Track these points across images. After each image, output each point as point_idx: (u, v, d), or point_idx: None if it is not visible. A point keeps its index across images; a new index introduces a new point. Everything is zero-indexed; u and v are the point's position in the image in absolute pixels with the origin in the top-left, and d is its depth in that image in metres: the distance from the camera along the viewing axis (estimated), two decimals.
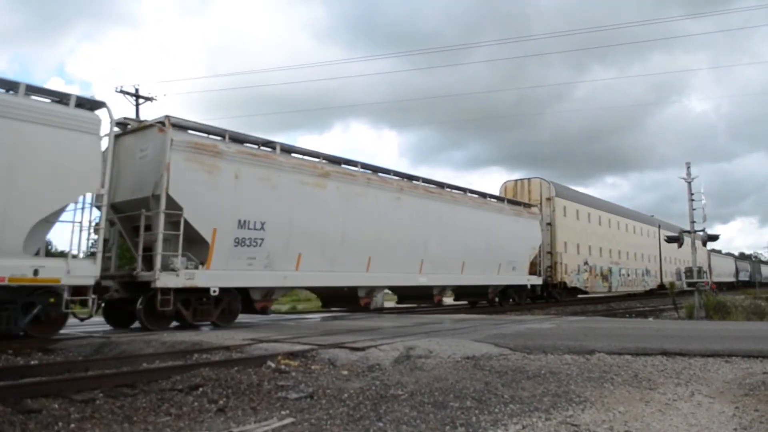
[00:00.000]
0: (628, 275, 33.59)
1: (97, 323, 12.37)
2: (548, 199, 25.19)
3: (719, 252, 70.50)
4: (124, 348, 8.20)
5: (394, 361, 6.94)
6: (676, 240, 22.73)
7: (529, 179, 26.15)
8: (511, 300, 22.19)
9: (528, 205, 23.23)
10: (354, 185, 14.41)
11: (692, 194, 21.77)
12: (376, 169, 15.68)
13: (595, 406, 4.75)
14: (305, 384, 5.59)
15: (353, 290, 14.69)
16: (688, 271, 21.29)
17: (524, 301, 22.65)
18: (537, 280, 22.81)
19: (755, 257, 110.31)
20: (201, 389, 5.28)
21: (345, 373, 6.30)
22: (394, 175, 16.14)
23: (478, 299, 21.28)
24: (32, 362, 7.24)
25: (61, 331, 9.59)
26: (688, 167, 22.21)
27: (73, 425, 4.13)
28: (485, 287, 20.39)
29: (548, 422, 4.25)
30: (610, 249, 31.51)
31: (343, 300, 15.60)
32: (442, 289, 18.32)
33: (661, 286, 38.92)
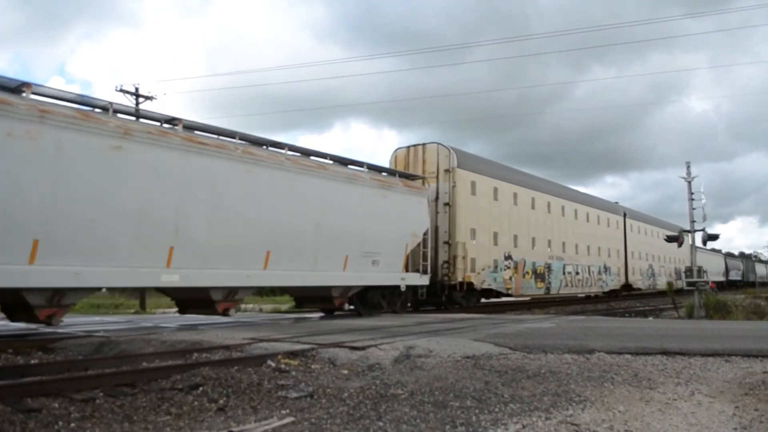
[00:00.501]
0: (577, 273, 26.81)
1: (96, 322, 12.40)
2: (447, 171, 18.74)
3: (719, 251, 70.51)
4: (124, 347, 8.20)
5: (394, 361, 6.94)
6: (677, 239, 22.75)
7: (424, 145, 19.43)
8: (379, 306, 15.49)
9: (409, 177, 17.07)
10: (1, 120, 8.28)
11: (692, 193, 21.88)
12: (84, 103, 9.59)
13: (595, 406, 4.76)
14: (305, 383, 5.60)
15: (14, 294, 8.67)
16: (688, 271, 21.35)
17: (401, 308, 16.04)
18: (419, 280, 16.22)
19: (755, 257, 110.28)
20: (201, 388, 5.28)
21: (345, 372, 6.31)
22: (117, 112, 9.86)
23: (325, 305, 14.99)
24: (32, 361, 7.26)
25: (61, 330, 9.59)
26: (688, 167, 22.34)
27: (73, 424, 4.12)
28: (325, 289, 13.91)
29: (548, 421, 4.26)
30: (550, 240, 24.68)
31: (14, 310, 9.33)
32: (230, 293, 11.70)
33: (627, 287, 33.35)
